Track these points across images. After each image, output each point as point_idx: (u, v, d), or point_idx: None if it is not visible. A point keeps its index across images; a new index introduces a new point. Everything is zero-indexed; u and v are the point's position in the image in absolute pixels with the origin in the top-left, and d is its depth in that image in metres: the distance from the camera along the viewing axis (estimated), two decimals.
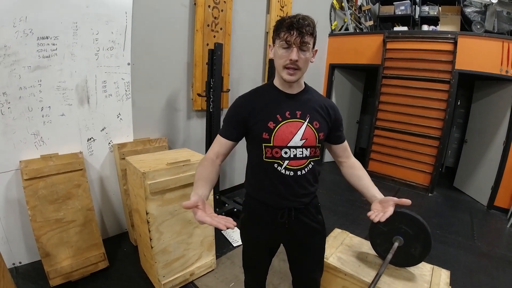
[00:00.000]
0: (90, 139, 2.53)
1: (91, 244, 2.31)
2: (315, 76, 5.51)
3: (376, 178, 5.19)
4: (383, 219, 1.07)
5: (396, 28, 5.53)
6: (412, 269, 1.75)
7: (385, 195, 1.21)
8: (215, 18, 3.25)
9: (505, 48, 3.87)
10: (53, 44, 2.18)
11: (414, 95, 4.69)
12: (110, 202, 2.77)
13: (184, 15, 3.05)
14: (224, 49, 3.33)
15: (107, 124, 2.60)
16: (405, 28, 5.41)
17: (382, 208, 1.14)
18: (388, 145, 5.08)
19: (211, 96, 2.97)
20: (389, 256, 1.67)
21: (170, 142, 3.14)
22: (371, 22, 5.94)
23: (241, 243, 1.56)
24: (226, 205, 3.42)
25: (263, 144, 1.22)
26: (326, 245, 1.55)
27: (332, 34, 5.60)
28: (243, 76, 3.87)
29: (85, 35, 2.33)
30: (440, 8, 5.00)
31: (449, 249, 3.10)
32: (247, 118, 1.23)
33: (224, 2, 3.31)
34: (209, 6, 3.16)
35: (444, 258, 2.86)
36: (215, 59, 2.86)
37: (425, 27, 5.19)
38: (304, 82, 1.33)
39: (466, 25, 4.58)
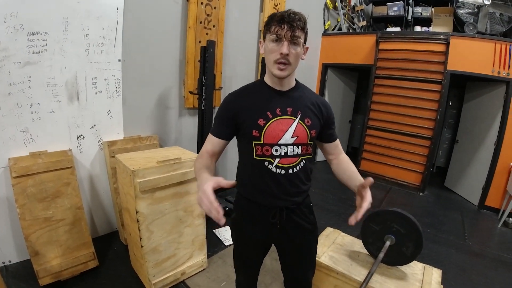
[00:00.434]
0: (80, 136, 2.48)
1: (81, 243, 2.27)
2: (308, 75, 5.51)
3: (368, 177, 5.20)
4: (359, 218, 1.09)
5: (389, 29, 5.56)
6: (404, 268, 1.75)
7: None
8: (208, 15, 3.22)
9: (497, 49, 3.91)
10: (43, 40, 2.15)
11: (406, 95, 4.72)
12: (100, 200, 2.73)
13: (176, 12, 3.02)
14: (217, 47, 3.30)
15: (97, 122, 2.56)
16: (397, 29, 5.44)
17: (360, 199, 1.13)
18: (380, 144, 5.11)
19: (203, 94, 2.94)
20: (381, 255, 1.67)
21: (161, 140, 3.10)
22: (364, 23, 5.97)
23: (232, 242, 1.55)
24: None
25: (253, 142, 1.20)
26: (318, 244, 1.55)
27: (325, 33, 5.61)
28: (236, 74, 3.85)
29: (76, 31, 2.29)
30: (433, 9, 5.04)
31: (440, 248, 3.12)
32: (237, 115, 1.22)
33: None
34: (202, 3, 3.13)
35: (435, 257, 2.88)
36: (208, 57, 2.83)
37: (417, 28, 5.23)
38: (296, 79, 1.32)
39: (458, 26, 4.62)
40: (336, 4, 5.53)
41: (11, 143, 2.13)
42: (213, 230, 2.98)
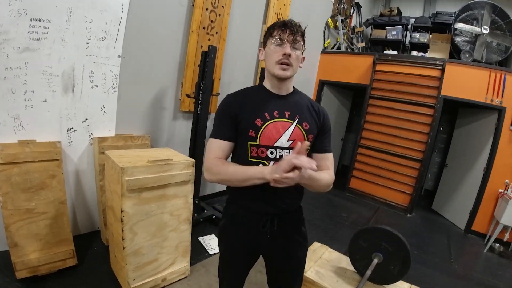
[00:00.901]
0: (71, 129, 2.43)
1: (61, 239, 2.19)
2: (304, 90, 5.39)
3: (357, 195, 5.24)
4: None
5: (387, 52, 5.68)
6: (390, 287, 1.73)
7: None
8: (211, 21, 3.24)
9: (491, 77, 4.02)
10: (45, 27, 2.12)
11: (399, 117, 4.80)
12: (84, 197, 2.65)
13: (181, 15, 3.03)
14: (217, 53, 3.31)
15: (89, 116, 2.52)
16: (395, 52, 5.57)
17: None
18: (370, 163, 5.14)
19: (200, 99, 2.93)
20: (368, 272, 1.65)
21: (153, 141, 3.06)
22: (363, 44, 6.10)
23: (217, 251, 1.49)
24: (205, 211, 3.34)
25: (249, 143, 1.19)
26: None
27: (324, 51, 5.70)
28: (234, 82, 3.86)
29: (78, 22, 2.28)
30: (430, 35, 5.18)
31: (426, 269, 3.12)
32: (237, 113, 1.20)
33: (222, 7, 3.31)
34: (206, 9, 3.15)
35: (421, 278, 2.86)
36: (208, 62, 2.84)
37: (414, 53, 5.36)
38: (294, 86, 1.33)
39: (455, 53, 4.75)
40: (337, 24, 5.65)
41: (1, 129, 2.07)
42: (198, 238, 2.92)
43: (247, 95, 1.27)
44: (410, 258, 1.63)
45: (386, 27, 6.00)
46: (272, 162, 1.19)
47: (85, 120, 2.50)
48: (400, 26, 5.84)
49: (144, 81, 2.87)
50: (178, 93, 3.22)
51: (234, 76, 3.85)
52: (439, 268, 3.19)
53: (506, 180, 3.90)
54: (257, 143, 1.18)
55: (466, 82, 4.23)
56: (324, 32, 5.68)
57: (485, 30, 4.26)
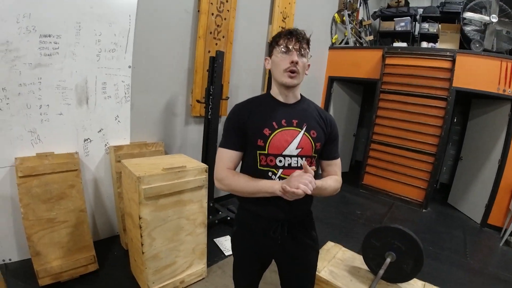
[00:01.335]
0: (87, 139, 2.52)
1: (82, 246, 2.28)
2: (313, 88, 5.55)
3: (371, 192, 5.20)
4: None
5: (396, 44, 5.59)
6: (403, 285, 1.75)
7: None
8: (218, 26, 3.28)
9: (503, 67, 3.92)
10: (55, 43, 2.19)
11: (411, 111, 4.72)
12: (103, 204, 2.75)
13: (187, 22, 3.08)
14: (225, 57, 3.34)
15: (104, 126, 2.60)
16: (404, 44, 5.48)
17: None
18: (383, 159, 5.09)
19: (210, 103, 2.98)
20: (381, 272, 1.67)
21: (167, 147, 3.13)
22: (371, 37, 6.02)
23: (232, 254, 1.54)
24: (220, 212, 3.41)
25: (258, 151, 1.21)
26: (318, 258, 1.54)
27: (332, 47, 5.66)
28: (243, 84, 3.88)
29: (88, 35, 2.34)
30: (440, 25, 5.08)
31: (441, 265, 3.09)
32: (245, 123, 1.23)
33: (228, 10, 3.34)
34: (212, 14, 3.19)
35: (435, 274, 2.85)
36: (216, 67, 2.88)
37: (424, 44, 5.26)
38: (301, 94, 1.34)
39: (465, 43, 4.64)
40: (344, 18, 5.59)
41: (18, 143, 2.16)
42: (214, 239, 2.98)
43: (255, 104, 1.29)
44: (423, 256, 1.64)
45: (394, 19, 5.89)
46: (281, 170, 1.22)
47: (100, 130, 2.58)
48: (409, 17, 5.73)
49: (155, 89, 2.94)
50: (188, 99, 3.28)
51: (243, 78, 3.88)
52: (455, 264, 3.16)
53: None
54: (266, 152, 1.21)
55: (477, 73, 4.13)
56: (331, 27, 5.64)
57: (494, 18, 4.15)
